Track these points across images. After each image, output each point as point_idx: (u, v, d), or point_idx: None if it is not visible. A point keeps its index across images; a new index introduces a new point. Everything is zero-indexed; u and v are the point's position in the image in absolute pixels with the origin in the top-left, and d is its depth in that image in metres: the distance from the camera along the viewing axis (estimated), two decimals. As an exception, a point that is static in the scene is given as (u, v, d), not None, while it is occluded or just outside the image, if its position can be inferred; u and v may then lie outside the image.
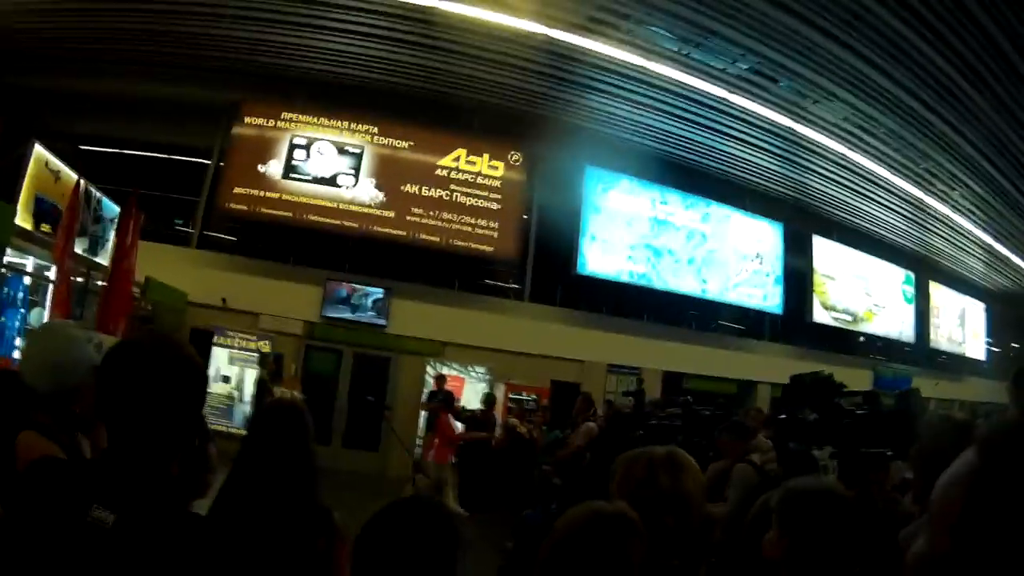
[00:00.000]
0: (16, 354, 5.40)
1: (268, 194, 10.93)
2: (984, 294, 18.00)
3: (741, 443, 3.86)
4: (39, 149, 6.39)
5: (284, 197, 10.96)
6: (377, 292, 10.74)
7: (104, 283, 6.52)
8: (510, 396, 10.36)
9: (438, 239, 10.98)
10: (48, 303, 6.17)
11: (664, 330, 11.51)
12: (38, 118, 11.36)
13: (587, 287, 11.35)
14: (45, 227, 6.42)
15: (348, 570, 1.11)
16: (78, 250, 6.42)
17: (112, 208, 7.65)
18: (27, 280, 6.52)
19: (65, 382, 1.56)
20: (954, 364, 16.31)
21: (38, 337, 1.71)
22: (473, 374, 10.82)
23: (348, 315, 10.69)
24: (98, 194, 7.49)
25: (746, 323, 12.74)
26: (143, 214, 6.67)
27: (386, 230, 10.92)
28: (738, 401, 12.14)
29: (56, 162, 6.64)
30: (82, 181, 6.47)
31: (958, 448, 1.03)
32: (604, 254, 11.33)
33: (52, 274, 6.13)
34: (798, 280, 12.46)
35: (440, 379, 10.35)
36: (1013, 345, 19.51)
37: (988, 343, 18.17)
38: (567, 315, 11.32)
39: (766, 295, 12.55)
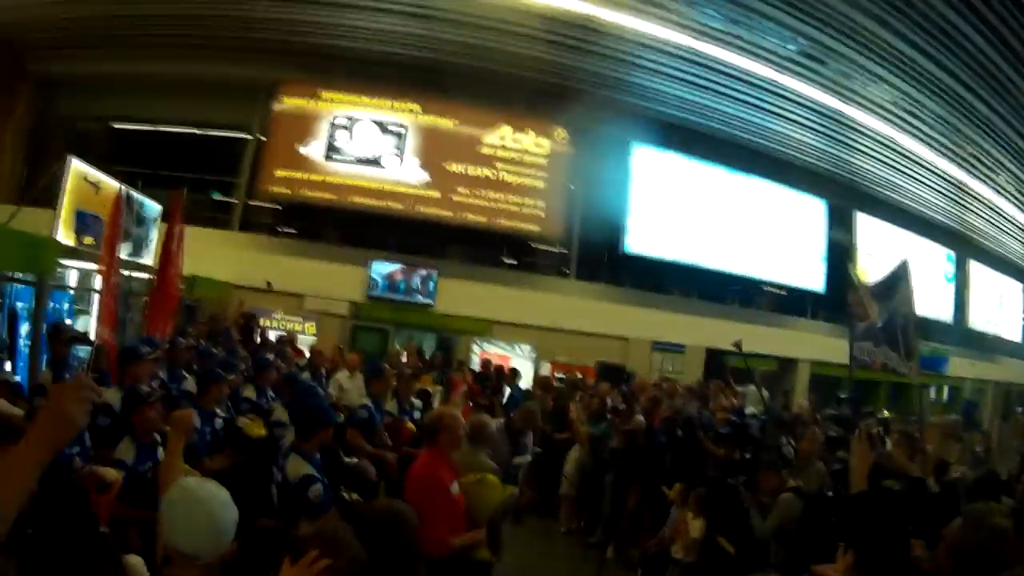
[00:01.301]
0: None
1: (311, 176, 11.42)
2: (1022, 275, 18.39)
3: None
4: (76, 164, 6.55)
5: (327, 179, 11.42)
6: (423, 272, 11.18)
7: (149, 277, 6.74)
8: (555, 375, 10.78)
9: (484, 219, 11.48)
10: (95, 315, 6.18)
11: (708, 307, 12.07)
12: (69, 100, 11.75)
13: (632, 265, 11.93)
14: (88, 240, 6.55)
15: None
16: (122, 255, 6.30)
17: (154, 208, 8.00)
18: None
19: (226, 544, 1.66)
20: (990, 344, 16.77)
21: (188, 507, 1.64)
22: (519, 352, 11.29)
23: (394, 295, 11.12)
24: (139, 197, 7.75)
25: (789, 300, 13.20)
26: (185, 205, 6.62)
27: (432, 210, 11.43)
28: (777, 378, 12.64)
29: (95, 173, 6.86)
30: (123, 188, 6.46)
31: (993, 553, 1.59)
32: (650, 232, 11.81)
33: (97, 285, 6.16)
34: (841, 257, 12.86)
35: (487, 364, 9.89)
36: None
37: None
38: (612, 292, 11.88)
39: (809, 272, 12.99)
